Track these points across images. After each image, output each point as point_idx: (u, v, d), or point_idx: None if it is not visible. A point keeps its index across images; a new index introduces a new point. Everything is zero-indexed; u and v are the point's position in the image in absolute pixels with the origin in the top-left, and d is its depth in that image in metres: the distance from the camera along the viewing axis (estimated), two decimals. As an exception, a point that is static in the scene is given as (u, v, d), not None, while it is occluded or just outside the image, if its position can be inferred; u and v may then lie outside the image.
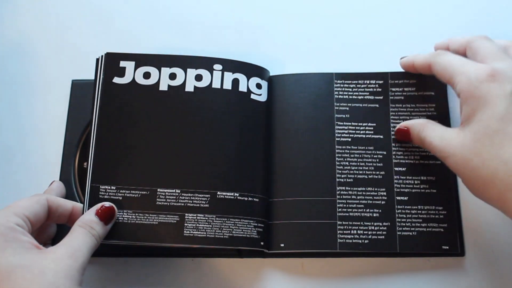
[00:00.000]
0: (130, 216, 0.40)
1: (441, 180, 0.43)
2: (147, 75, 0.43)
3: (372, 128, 0.44)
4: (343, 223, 0.42)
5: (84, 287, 0.35)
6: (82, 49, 0.51)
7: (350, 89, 0.45)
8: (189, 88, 0.43)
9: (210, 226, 0.41)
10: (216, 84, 0.44)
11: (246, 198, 0.42)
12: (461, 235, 0.42)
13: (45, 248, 0.34)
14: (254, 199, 0.42)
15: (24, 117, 0.49)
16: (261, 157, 0.44)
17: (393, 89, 0.45)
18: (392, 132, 0.44)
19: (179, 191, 0.41)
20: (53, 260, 0.33)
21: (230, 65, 0.44)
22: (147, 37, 0.51)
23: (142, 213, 0.40)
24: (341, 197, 0.43)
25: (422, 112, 0.44)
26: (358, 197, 0.43)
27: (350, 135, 0.44)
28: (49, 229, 0.41)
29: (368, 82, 0.45)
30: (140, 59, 0.44)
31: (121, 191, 0.41)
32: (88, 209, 0.39)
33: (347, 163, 0.43)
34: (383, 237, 0.41)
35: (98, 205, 0.39)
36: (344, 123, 0.44)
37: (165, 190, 0.41)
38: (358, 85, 0.45)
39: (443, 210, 0.42)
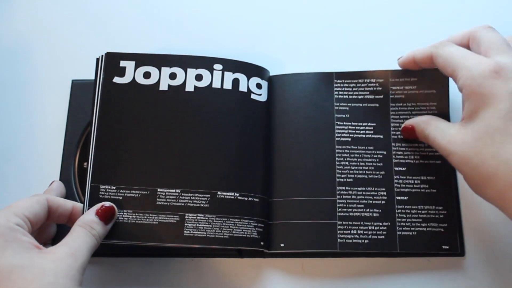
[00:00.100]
0: (130, 216, 0.40)
1: (441, 180, 0.42)
2: (147, 75, 0.43)
3: (372, 128, 0.44)
4: (343, 223, 0.42)
5: (84, 287, 0.35)
6: (82, 49, 0.51)
7: (350, 89, 0.45)
8: (189, 88, 0.43)
9: (210, 226, 0.41)
10: (216, 84, 0.44)
11: (246, 198, 0.42)
12: (461, 235, 0.42)
13: (45, 248, 0.34)
14: (254, 199, 0.42)
15: (24, 117, 0.49)
16: (261, 157, 0.44)
17: (394, 88, 0.45)
18: (393, 132, 0.44)
19: (179, 191, 0.41)
20: (53, 260, 0.33)
21: (231, 65, 0.44)
22: (147, 37, 0.51)
23: (142, 213, 0.40)
24: (341, 197, 0.43)
25: (423, 111, 0.43)
26: (358, 197, 0.43)
27: (350, 135, 0.44)
28: (49, 229, 0.41)
29: (368, 81, 0.45)
30: (140, 59, 0.44)
31: (121, 191, 0.41)
32: (88, 209, 0.39)
33: (347, 163, 0.43)
34: (383, 237, 0.41)
35: (98, 205, 0.39)
36: (344, 123, 0.44)
37: (165, 190, 0.41)
38: (358, 84, 0.45)
39: (443, 210, 0.42)
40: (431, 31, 0.49)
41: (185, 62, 0.44)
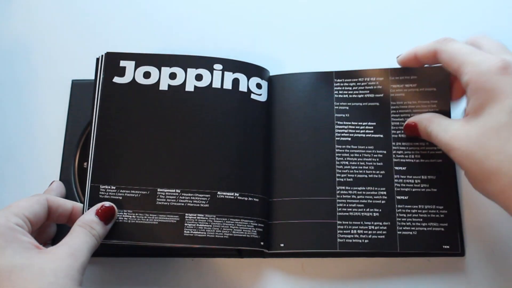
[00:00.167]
0: (130, 216, 0.40)
1: (442, 179, 0.42)
2: (147, 75, 0.43)
3: (372, 127, 0.44)
4: (343, 222, 0.42)
5: (84, 287, 0.35)
6: (82, 49, 0.51)
7: (350, 88, 0.45)
8: (189, 87, 0.43)
9: (210, 226, 0.41)
10: (216, 84, 0.44)
11: (246, 198, 0.42)
12: (461, 235, 0.42)
13: (45, 248, 0.35)
14: (254, 199, 0.42)
15: (24, 117, 0.49)
16: (261, 157, 0.44)
17: (394, 86, 0.44)
18: (393, 131, 0.44)
19: (179, 191, 0.41)
20: (53, 260, 0.33)
21: (231, 65, 0.44)
22: (147, 37, 0.51)
23: (142, 213, 0.40)
24: (341, 196, 0.43)
25: (424, 109, 0.43)
26: (358, 197, 0.42)
27: (350, 135, 0.44)
28: (49, 229, 0.41)
29: (368, 79, 0.45)
30: (140, 59, 0.44)
31: (121, 191, 0.41)
32: (88, 209, 0.39)
33: (347, 163, 0.43)
34: (383, 236, 0.41)
35: (98, 205, 0.39)
36: (344, 123, 0.44)
37: (165, 190, 0.41)
38: (358, 83, 0.45)
39: (444, 210, 0.42)
40: (431, 31, 0.49)
41: (185, 62, 0.44)
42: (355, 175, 0.43)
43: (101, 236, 0.38)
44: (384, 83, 0.44)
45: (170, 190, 0.41)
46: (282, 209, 0.43)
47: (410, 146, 0.43)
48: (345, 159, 0.43)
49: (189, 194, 0.41)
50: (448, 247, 0.41)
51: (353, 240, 0.41)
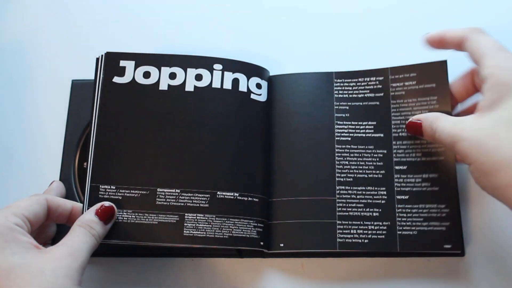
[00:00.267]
0: (130, 216, 0.40)
1: (443, 177, 0.42)
2: (147, 75, 0.43)
3: (372, 126, 0.44)
4: (343, 222, 0.42)
5: (84, 287, 0.35)
6: (82, 49, 0.51)
7: (350, 88, 0.45)
8: (189, 87, 0.43)
9: (210, 226, 0.40)
10: (216, 84, 0.44)
11: (246, 198, 0.42)
12: (461, 235, 0.41)
13: (44, 248, 0.34)
14: (254, 199, 0.42)
15: (24, 117, 0.49)
16: (261, 157, 0.43)
17: (394, 85, 0.44)
18: (393, 130, 0.43)
19: (179, 190, 0.41)
20: (52, 260, 0.33)
21: (230, 65, 0.44)
22: (147, 37, 0.51)
23: (142, 213, 0.40)
24: (341, 196, 0.42)
25: (424, 106, 0.43)
26: (357, 197, 0.42)
27: (350, 134, 0.44)
28: (49, 229, 0.41)
29: (368, 79, 0.45)
30: (140, 59, 0.44)
31: (120, 190, 0.41)
32: (88, 208, 0.39)
33: (346, 162, 0.43)
34: (383, 236, 0.41)
35: (98, 205, 0.39)
36: (344, 122, 0.44)
37: (165, 190, 0.41)
38: (358, 83, 0.45)
39: (446, 208, 0.41)
40: (430, 26, 0.48)
41: (185, 62, 0.44)
42: (355, 175, 0.43)
43: (100, 236, 0.38)
44: (384, 82, 0.44)
45: (170, 190, 0.41)
46: (282, 209, 0.43)
47: (411, 145, 0.43)
48: (345, 159, 0.43)
49: (189, 194, 0.41)
50: (449, 246, 0.40)
51: (353, 240, 0.41)
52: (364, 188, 0.42)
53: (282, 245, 0.42)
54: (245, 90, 0.44)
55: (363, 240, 0.41)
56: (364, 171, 0.43)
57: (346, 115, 0.44)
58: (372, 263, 0.42)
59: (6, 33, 0.52)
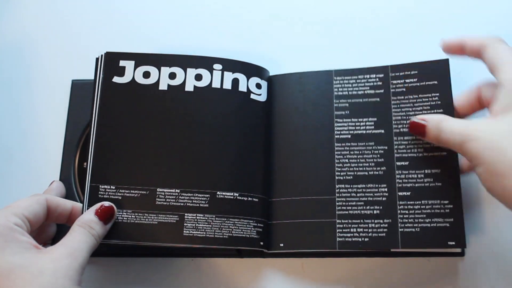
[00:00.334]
0: (130, 216, 0.40)
1: (446, 173, 0.41)
2: (146, 75, 0.43)
3: (372, 123, 0.44)
4: (342, 221, 0.42)
5: (84, 287, 0.35)
6: (82, 49, 0.51)
7: (350, 85, 0.45)
8: (189, 87, 0.43)
9: (210, 226, 0.40)
10: (216, 84, 0.44)
11: (245, 198, 0.42)
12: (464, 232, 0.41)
13: (44, 248, 0.34)
14: (254, 199, 0.42)
15: (24, 117, 0.49)
16: (261, 157, 0.43)
17: (394, 82, 0.44)
18: (394, 125, 0.43)
19: (178, 190, 0.41)
20: (52, 260, 0.33)
21: (230, 65, 0.44)
22: (147, 37, 0.51)
23: (142, 213, 0.40)
24: (340, 195, 0.42)
25: (425, 102, 0.42)
26: (358, 195, 0.42)
27: (350, 132, 0.44)
28: (49, 229, 0.41)
29: (368, 76, 0.45)
30: (140, 59, 0.44)
31: (120, 190, 0.41)
32: (88, 208, 0.39)
33: (346, 161, 0.43)
34: (384, 234, 0.41)
35: (98, 205, 0.39)
36: (344, 120, 0.44)
37: (165, 190, 0.41)
38: (358, 80, 0.45)
39: (449, 204, 0.40)
40: (430, 31, 0.48)
41: (185, 61, 0.44)
42: (355, 173, 0.43)
43: (100, 236, 0.38)
44: (384, 80, 0.44)
45: (169, 190, 0.41)
46: (282, 209, 0.43)
47: (412, 140, 0.42)
48: (345, 157, 0.43)
49: (189, 194, 0.41)
50: (453, 243, 0.39)
51: (353, 239, 0.41)
52: (364, 185, 0.42)
53: (282, 245, 0.42)
54: (245, 90, 0.44)
55: (363, 239, 0.41)
56: (364, 168, 0.43)
57: (346, 112, 0.44)
58: (372, 263, 0.42)
59: (6, 33, 0.52)
